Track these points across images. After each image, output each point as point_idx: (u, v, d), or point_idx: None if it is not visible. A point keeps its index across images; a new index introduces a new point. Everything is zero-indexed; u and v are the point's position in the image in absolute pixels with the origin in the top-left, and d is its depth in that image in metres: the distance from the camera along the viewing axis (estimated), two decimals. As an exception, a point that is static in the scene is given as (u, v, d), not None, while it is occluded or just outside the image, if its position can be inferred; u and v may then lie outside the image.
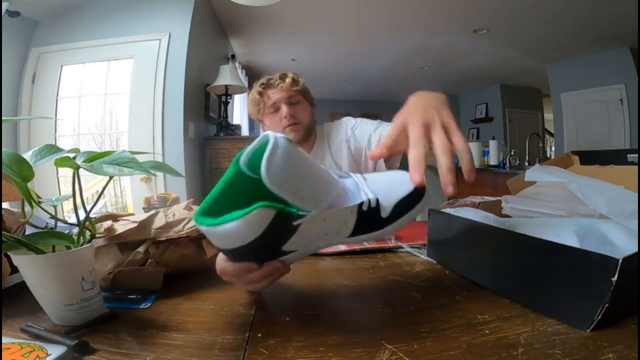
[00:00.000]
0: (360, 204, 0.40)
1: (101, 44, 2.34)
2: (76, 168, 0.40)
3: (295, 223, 0.37)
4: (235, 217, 0.34)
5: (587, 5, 2.90)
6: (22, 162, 0.37)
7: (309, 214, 0.36)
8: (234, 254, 0.40)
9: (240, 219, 0.34)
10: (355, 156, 1.04)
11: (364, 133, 1.02)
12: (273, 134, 0.35)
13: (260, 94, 1.03)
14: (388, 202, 0.42)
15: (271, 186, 0.33)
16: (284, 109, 1.01)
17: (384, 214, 0.42)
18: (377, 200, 0.42)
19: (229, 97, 2.88)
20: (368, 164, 1.03)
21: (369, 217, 0.41)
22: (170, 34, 2.35)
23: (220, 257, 0.45)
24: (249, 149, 0.37)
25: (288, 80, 1.02)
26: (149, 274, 0.52)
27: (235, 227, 0.34)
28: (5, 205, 0.58)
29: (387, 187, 0.44)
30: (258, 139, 0.37)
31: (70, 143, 2.43)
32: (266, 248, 0.39)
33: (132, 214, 0.62)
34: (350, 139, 1.04)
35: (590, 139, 4.35)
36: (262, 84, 1.04)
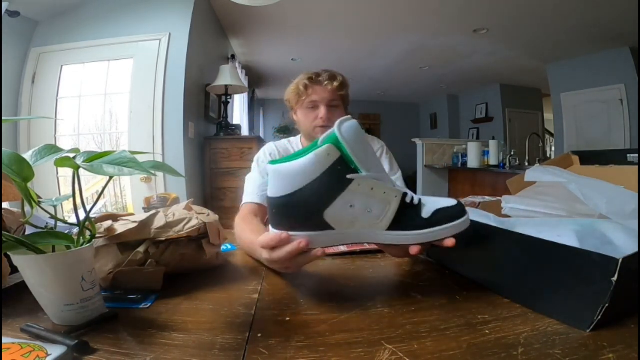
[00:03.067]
0: (405, 194, 0.43)
1: (101, 44, 2.34)
2: (76, 168, 0.40)
3: (349, 176, 0.41)
4: (308, 151, 0.40)
5: (587, 5, 2.90)
6: (22, 162, 0.37)
7: (362, 173, 0.41)
8: (286, 205, 0.42)
9: (312, 152, 0.40)
10: None
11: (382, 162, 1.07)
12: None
13: (306, 87, 1.02)
14: (430, 207, 0.45)
15: (341, 137, 0.40)
16: (322, 111, 1.01)
17: (425, 214, 0.44)
18: (420, 200, 0.44)
19: (229, 97, 2.88)
20: None
21: (410, 212, 0.43)
22: (170, 34, 2.35)
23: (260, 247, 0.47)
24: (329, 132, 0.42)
25: (336, 83, 1.01)
26: (149, 274, 0.52)
27: (305, 161, 0.40)
28: (5, 205, 0.58)
29: (430, 199, 0.47)
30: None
31: (70, 143, 2.43)
32: (316, 203, 0.41)
33: (132, 214, 0.62)
34: None
35: (590, 139, 4.35)
36: (311, 77, 1.03)
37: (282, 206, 0.43)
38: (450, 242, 0.44)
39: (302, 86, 1.02)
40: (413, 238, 0.44)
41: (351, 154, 0.40)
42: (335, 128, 0.40)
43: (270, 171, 0.42)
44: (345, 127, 0.41)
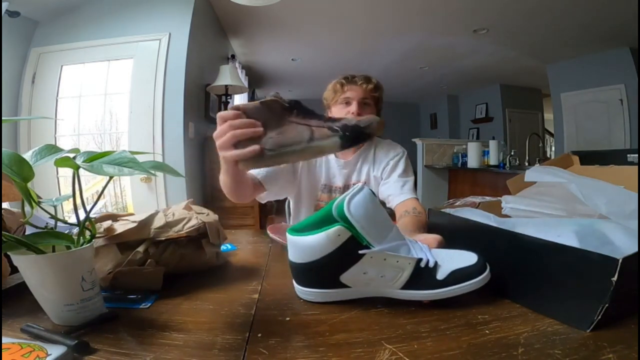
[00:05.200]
0: (419, 260, 0.45)
1: (101, 44, 2.34)
2: (76, 168, 0.40)
3: (361, 252, 0.43)
4: (320, 231, 0.43)
5: (587, 5, 2.90)
6: (22, 162, 0.37)
7: (373, 248, 0.43)
8: (304, 270, 0.47)
9: (324, 232, 0.43)
10: (376, 177, 1.13)
11: (394, 173, 1.10)
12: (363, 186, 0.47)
13: (342, 85, 1.10)
14: (446, 268, 0.45)
15: (350, 217, 0.42)
16: (354, 106, 1.08)
17: (440, 276, 0.45)
18: (436, 263, 0.45)
19: (229, 97, 2.87)
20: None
21: (424, 275, 0.45)
22: (170, 34, 2.34)
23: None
24: (344, 196, 0.45)
25: (370, 85, 1.09)
26: (149, 274, 0.52)
27: (318, 238, 0.43)
28: (5, 205, 0.58)
29: (449, 257, 0.47)
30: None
31: (70, 143, 2.42)
32: (330, 270, 0.45)
33: (132, 214, 0.62)
34: (390, 164, 1.12)
35: (590, 139, 4.35)
36: (347, 77, 1.11)
37: (302, 270, 0.48)
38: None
39: (338, 84, 1.11)
40: (427, 296, 0.45)
41: (361, 232, 0.43)
42: (344, 207, 0.43)
43: (288, 240, 0.47)
44: (354, 204, 0.43)
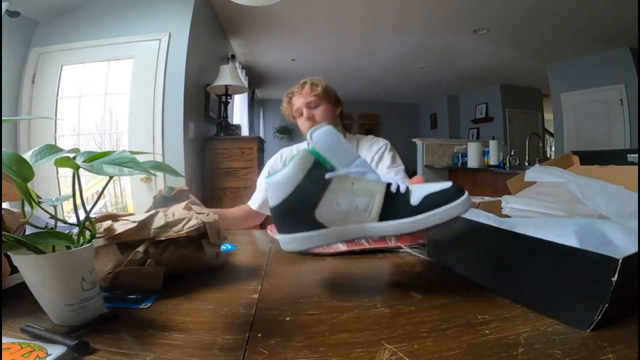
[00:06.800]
0: (389, 185, 0.43)
1: (101, 44, 2.34)
2: (76, 168, 0.40)
3: (327, 176, 0.44)
4: (288, 164, 0.45)
5: (587, 5, 2.90)
6: (22, 162, 0.37)
7: (338, 170, 0.44)
8: (281, 212, 0.46)
9: (290, 162, 0.44)
10: None
11: (382, 164, 1.15)
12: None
13: (288, 102, 1.19)
14: (419, 193, 0.43)
15: (313, 143, 0.45)
16: (305, 113, 1.15)
17: (414, 201, 0.43)
18: (407, 189, 0.43)
19: (229, 97, 2.87)
20: None
21: (397, 201, 0.43)
22: (170, 34, 2.34)
23: None
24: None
25: (306, 87, 1.15)
26: (149, 274, 0.52)
27: (287, 170, 0.44)
28: (5, 205, 0.58)
29: (420, 186, 0.46)
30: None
31: (70, 143, 2.43)
32: (304, 205, 0.45)
33: (132, 214, 0.62)
34: (375, 157, 1.17)
35: (590, 139, 4.35)
36: (288, 94, 1.20)
37: (278, 213, 0.47)
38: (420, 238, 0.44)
39: (285, 103, 1.21)
40: (402, 227, 0.43)
41: (324, 155, 0.44)
42: (307, 136, 0.46)
43: (266, 185, 0.47)
44: (316, 134, 0.46)
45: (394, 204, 0.43)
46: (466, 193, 0.44)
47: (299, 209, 0.45)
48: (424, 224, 0.42)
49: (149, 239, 0.55)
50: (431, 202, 0.43)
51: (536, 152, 4.72)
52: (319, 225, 0.45)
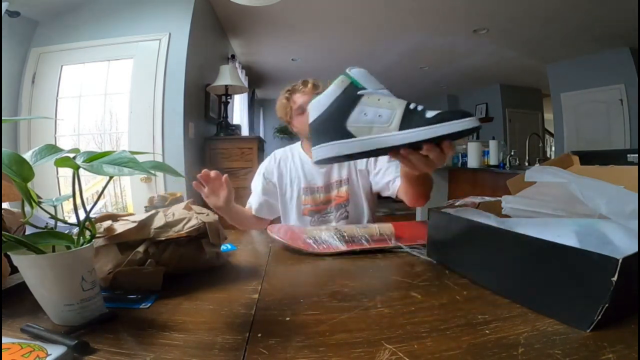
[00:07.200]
0: (408, 103, 0.52)
1: (101, 44, 2.33)
2: (76, 168, 0.40)
3: (359, 92, 0.53)
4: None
5: (587, 5, 2.90)
6: (22, 162, 0.37)
7: (368, 89, 0.53)
8: (318, 125, 0.55)
9: (331, 85, 0.54)
10: (367, 169, 1.16)
11: (380, 160, 1.15)
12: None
13: (287, 99, 1.16)
14: (433, 112, 0.51)
15: (350, 73, 0.54)
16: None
17: (429, 116, 0.50)
18: (424, 108, 0.51)
19: (229, 97, 2.87)
20: (371, 184, 1.17)
21: (415, 116, 0.50)
22: (170, 34, 2.34)
23: None
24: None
25: (309, 85, 1.14)
26: (149, 274, 0.52)
27: (328, 90, 0.54)
28: (5, 205, 0.58)
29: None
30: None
31: (70, 143, 2.42)
32: (338, 116, 0.53)
33: (132, 214, 0.62)
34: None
35: (590, 139, 4.35)
36: (288, 90, 1.17)
37: (317, 126, 0.55)
38: (447, 145, 0.50)
39: (284, 99, 1.18)
40: (418, 135, 0.49)
41: (358, 80, 0.54)
42: (346, 71, 0.54)
43: (309, 108, 0.56)
44: (352, 70, 0.55)
45: (412, 117, 0.50)
46: (474, 117, 0.49)
47: (332, 118, 0.53)
48: (435, 133, 0.48)
49: (149, 239, 0.55)
50: (443, 116, 0.49)
51: (536, 152, 4.72)
52: (348, 134, 0.52)
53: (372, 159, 1.14)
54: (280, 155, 1.23)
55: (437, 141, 0.49)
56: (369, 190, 1.16)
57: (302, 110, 1.12)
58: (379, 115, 0.51)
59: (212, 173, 0.96)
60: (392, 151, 0.52)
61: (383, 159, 1.13)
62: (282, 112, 1.19)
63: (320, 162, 0.55)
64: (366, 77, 0.55)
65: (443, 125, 0.48)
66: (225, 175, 0.98)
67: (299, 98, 1.14)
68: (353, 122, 0.52)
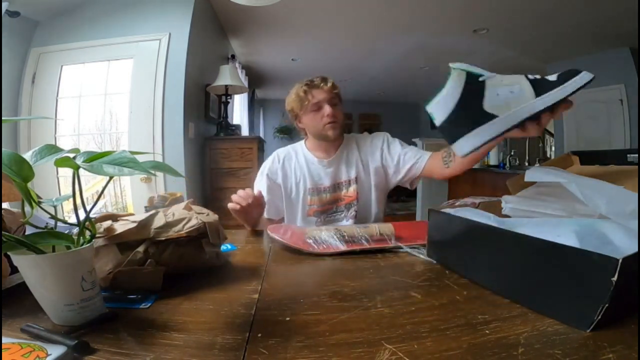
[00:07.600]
0: (526, 75, 0.55)
1: (101, 44, 2.33)
2: (76, 168, 0.40)
3: (480, 79, 0.55)
4: (443, 86, 0.56)
5: (587, 5, 2.90)
6: (22, 162, 0.37)
7: (484, 74, 0.56)
8: (456, 116, 0.56)
9: (446, 84, 0.55)
10: (384, 165, 1.15)
11: (395, 151, 1.15)
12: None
13: (305, 92, 1.11)
14: (553, 75, 0.54)
15: (457, 66, 0.55)
16: (327, 109, 1.09)
17: (552, 79, 0.54)
18: (542, 76, 0.55)
19: (229, 97, 2.87)
20: (390, 179, 1.17)
21: (541, 82, 0.54)
22: (170, 34, 2.34)
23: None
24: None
25: (329, 84, 1.11)
26: (149, 274, 0.52)
27: (445, 88, 0.55)
28: (5, 205, 0.58)
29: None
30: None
31: (70, 143, 2.42)
32: (473, 102, 0.55)
33: (132, 214, 0.62)
34: (384, 149, 1.16)
35: (590, 139, 4.34)
36: (307, 83, 1.12)
37: (451, 122, 0.56)
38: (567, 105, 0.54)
39: (302, 92, 1.10)
40: (555, 96, 0.52)
41: (472, 70, 0.56)
42: (451, 67, 0.56)
43: (429, 110, 0.58)
44: (457, 64, 0.56)
45: (541, 84, 0.53)
46: (584, 71, 0.53)
47: (469, 107, 0.55)
48: (567, 91, 0.51)
49: (149, 239, 0.55)
50: (565, 77, 0.52)
51: (536, 152, 4.72)
52: (490, 116, 0.55)
53: (385, 152, 1.14)
54: (284, 155, 1.19)
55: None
56: (381, 188, 1.15)
57: (319, 107, 1.09)
58: (511, 92, 0.54)
59: (257, 193, 0.95)
60: (534, 118, 0.55)
61: (396, 148, 1.14)
62: (296, 104, 1.13)
63: (473, 151, 0.57)
64: (473, 67, 0.57)
65: (573, 82, 0.51)
66: (259, 191, 0.99)
67: (318, 94, 1.09)
68: (490, 104, 0.55)
